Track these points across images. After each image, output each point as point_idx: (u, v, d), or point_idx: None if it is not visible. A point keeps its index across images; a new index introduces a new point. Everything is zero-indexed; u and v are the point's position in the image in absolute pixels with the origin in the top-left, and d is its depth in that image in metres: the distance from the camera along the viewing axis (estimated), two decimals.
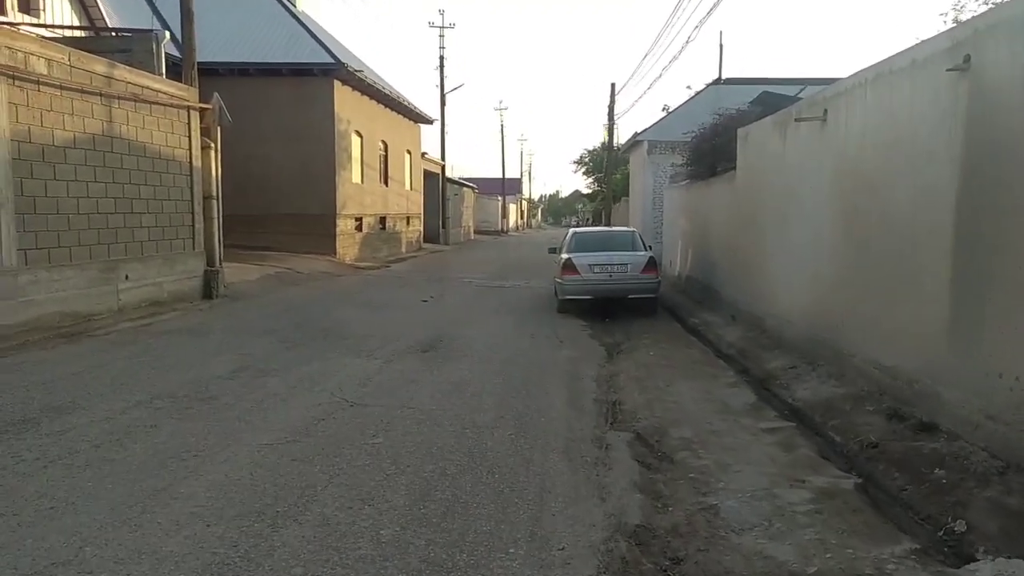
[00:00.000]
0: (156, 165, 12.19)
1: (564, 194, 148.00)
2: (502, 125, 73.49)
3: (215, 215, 13.92)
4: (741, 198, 11.53)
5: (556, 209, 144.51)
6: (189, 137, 13.05)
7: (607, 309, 13.10)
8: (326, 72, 22.71)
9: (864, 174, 6.98)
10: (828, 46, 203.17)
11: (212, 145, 13.80)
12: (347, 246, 24.49)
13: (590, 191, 59.58)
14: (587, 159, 56.76)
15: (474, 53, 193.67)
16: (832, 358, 7.59)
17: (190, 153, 13.07)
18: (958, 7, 16.60)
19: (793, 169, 8.98)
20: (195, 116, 13.27)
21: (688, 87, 48.79)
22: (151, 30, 13.43)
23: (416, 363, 8.74)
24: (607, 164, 32.06)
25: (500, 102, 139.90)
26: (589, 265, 12.60)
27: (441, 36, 40.74)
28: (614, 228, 15.45)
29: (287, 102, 23.20)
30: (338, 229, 23.60)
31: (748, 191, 11.11)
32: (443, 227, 40.27)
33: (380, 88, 25.97)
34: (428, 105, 41.25)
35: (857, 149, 7.14)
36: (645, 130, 24.02)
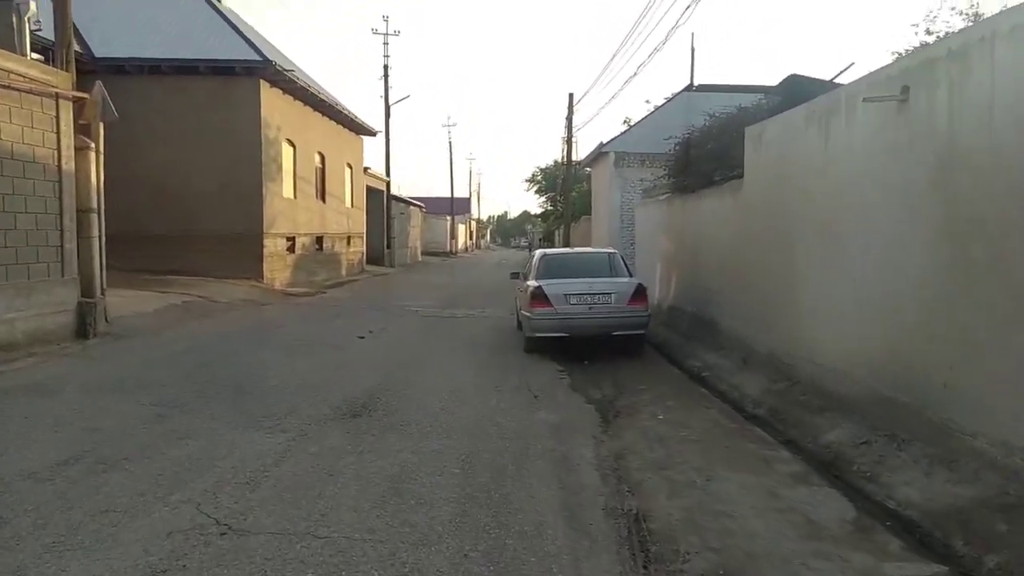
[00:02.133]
0: (5, 167, 9.39)
1: (513, 215, 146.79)
2: (450, 142, 71.71)
3: (95, 232, 11.13)
4: (752, 212, 9.33)
5: (505, 230, 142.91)
6: (57, 134, 10.28)
7: (584, 348, 10.74)
8: (250, 71, 20.01)
9: (990, 168, 4.77)
10: (804, 54, 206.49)
11: (92, 146, 11.03)
12: (277, 269, 21.67)
13: (542, 210, 57.51)
14: (540, 177, 54.78)
15: (421, 65, 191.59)
16: (927, 432, 5.34)
17: (58, 154, 10.28)
18: (930, 17, 14.98)
19: (845, 170, 6.78)
20: (66, 108, 10.51)
21: (647, 101, 47.21)
22: (12, 0, 10.64)
23: (339, 438, 6.19)
24: (565, 180, 29.94)
25: (448, 118, 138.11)
26: (564, 295, 10.22)
27: (385, 44, 38.39)
28: (590, 249, 13.12)
29: (207, 105, 20.41)
30: (266, 250, 20.79)
31: (764, 203, 8.92)
32: (388, 248, 37.59)
33: (315, 92, 23.34)
34: (372, 117, 38.73)
35: (976, 133, 4.94)
36: (611, 141, 21.93)
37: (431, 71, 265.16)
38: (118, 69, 19.81)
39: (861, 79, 6.81)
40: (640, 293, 10.33)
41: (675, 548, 4.11)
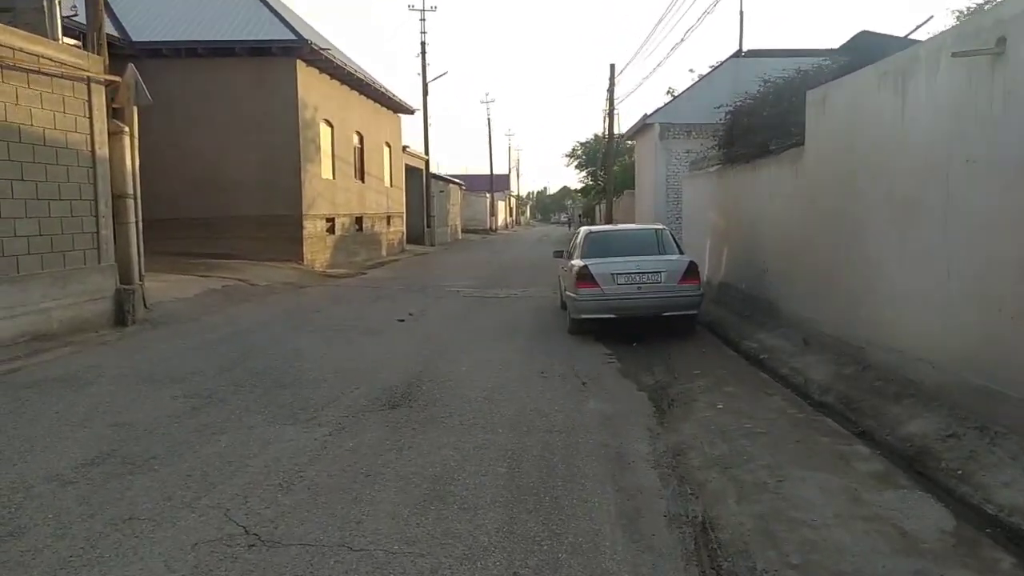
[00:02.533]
0: (38, 154, 9.20)
1: (552, 190, 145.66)
2: (488, 118, 70.84)
3: (132, 218, 10.93)
4: (815, 184, 8.68)
5: (545, 206, 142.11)
6: (90, 118, 10.06)
7: (633, 329, 10.24)
8: (287, 51, 19.71)
9: None
10: (858, 18, 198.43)
11: (125, 130, 10.81)
12: (317, 251, 21.52)
13: (583, 185, 56.66)
14: (580, 152, 53.88)
15: (458, 41, 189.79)
16: None
17: (91, 139, 10.07)
18: None
19: (927, 137, 6.13)
20: (99, 92, 10.28)
21: (691, 71, 45.77)
22: None
23: (377, 432, 5.85)
24: (606, 153, 29.16)
25: (487, 94, 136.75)
26: (611, 275, 9.72)
27: (422, 20, 37.81)
28: (637, 226, 12.55)
29: (244, 87, 20.23)
30: (305, 232, 20.62)
31: (830, 175, 8.26)
32: (428, 227, 37.34)
33: (351, 71, 23.00)
34: (409, 95, 38.34)
35: None
36: (655, 112, 21.16)
37: (469, 47, 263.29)
38: (154, 53, 19.74)
39: (946, 32, 6.13)
40: (692, 271, 9.77)
41: (750, 565, 3.64)
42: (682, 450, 5.41)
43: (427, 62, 37.57)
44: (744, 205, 11.85)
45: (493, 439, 5.68)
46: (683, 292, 9.67)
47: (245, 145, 20.28)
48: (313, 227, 21.21)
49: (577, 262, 10.25)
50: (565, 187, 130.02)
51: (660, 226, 11.33)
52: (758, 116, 11.11)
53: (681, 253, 10.49)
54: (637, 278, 9.67)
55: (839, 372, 7.31)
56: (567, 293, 10.39)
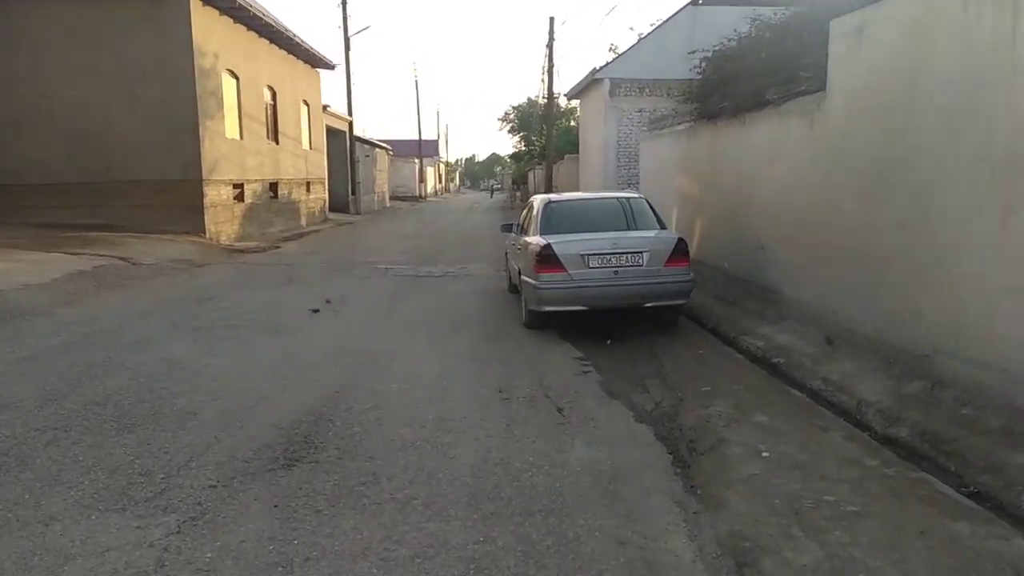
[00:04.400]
0: None
1: (481, 158, 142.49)
2: (416, 81, 67.69)
3: None
4: (843, 137, 6.79)
5: (474, 172, 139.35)
6: None
7: (604, 321, 8.27)
8: None
9: None
10: None
11: None
12: (222, 221, 18.76)
13: (516, 150, 54.36)
14: (513, 116, 51.46)
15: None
16: None
17: None
18: None
19: None
20: None
21: (631, 28, 43.51)
22: None
23: (260, 523, 3.70)
24: (546, 114, 27.01)
25: (414, 58, 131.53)
26: (581, 255, 7.66)
27: None
28: (607, 194, 10.43)
29: (128, 29, 17.15)
30: (207, 199, 17.83)
31: (869, 123, 6.37)
32: (353, 194, 34.53)
33: (258, 13, 20.04)
34: (331, 52, 35.13)
35: None
36: (604, 66, 19.07)
37: (395, 5, 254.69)
38: None
39: None
40: (681, 250, 7.81)
41: None
42: (745, 553, 3.42)
43: (348, 13, 34.41)
44: (728, 168, 9.94)
45: (443, 535, 3.58)
46: (671, 277, 7.70)
47: (132, 98, 17.27)
48: (217, 194, 18.41)
49: (535, 239, 8.14)
50: (494, 154, 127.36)
51: (634, 193, 9.30)
52: (750, 60, 9.16)
53: (663, 227, 8.51)
54: (613, 260, 7.65)
55: (899, 390, 5.49)
56: (523, 279, 8.29)
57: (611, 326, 8.32)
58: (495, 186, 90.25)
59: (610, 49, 21.71)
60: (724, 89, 9.98)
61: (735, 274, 9.72)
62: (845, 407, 5.54)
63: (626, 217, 8.47)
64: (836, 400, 5.71)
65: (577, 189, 22.59)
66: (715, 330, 8.34)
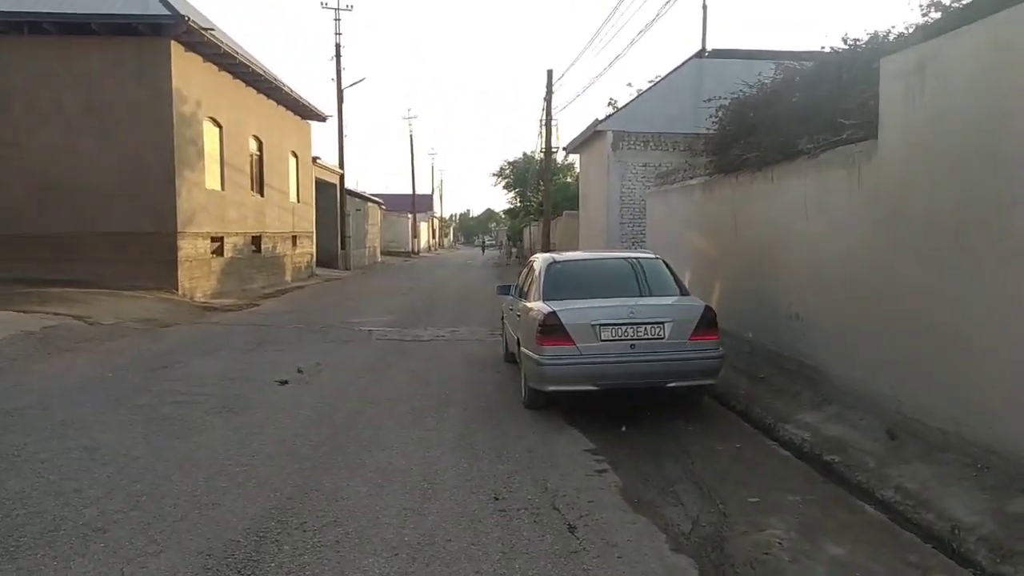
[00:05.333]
0: None
1: (476, 213, 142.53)
2: (411, 134, 67.17)
3: None
4: (906, 192, 5.74)
5: (468, 228, 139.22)
6: None
7: (613, 400, 7.10)
8: (157, 29, 15.89)
9: None
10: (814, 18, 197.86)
11: None
12: (198, 277, 17.60)
13: (511, 206, 53.71)
14: (508, 171, 50.93)
15: (378, 48, 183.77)
16: None
17: None
18: None
19: None
20: None
21: (629, 84, 43.05)
22: None
23: None
24: (544, 168, 26.19)
25: (409, 110, 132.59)
26: (591, 326, 6.51)
27: (337, 20, 34.19)
28: (617, 253, 9.30)
29: (104, 74, 16.33)
30: (181, 253, 16.71)
31: (935, 179, 5.32)
32: (343, 248, 33.54)
33: (246, 61, 19.28)
34: (324, 104, 34.58)
35: None
36: (608, 118, 18.28)
37: (389, 55, 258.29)
38: None
39: None
40: (709, 320, 6.67)
41: None
42: None
43: (343, 66, 33.99)
44: (751, 226, 8.90)
45: None
46: (697, 352, 6.55)
47: (105, 146, 16.31)
48: (192, 248, 17.30)
49: (538, 306, 7.00)
50: (489, 209, 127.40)
51: (649, 253, 8.17)
52: (778, 107, 8.20)
53: (684, 292, 7.38)
54: (630, 331, 6.50)
55: (1002, 508, 4.33)
56: (524, 351, 7.11)
57: (624, 407, 7.13)
58: (488, 242, 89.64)
59: (609, 103, 21.01)
60: (746, 139, 9.01)
61: (761, 345, 8.58)
62: (935, 531, 4.33)
63: (641, 281, 7.35)
64: (921, 520, 4.49)
65: (576, 246, 21.60)
66: (746, 414, 7.15)
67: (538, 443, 6.15)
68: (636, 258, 7.89)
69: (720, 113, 9.91)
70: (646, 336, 6.51)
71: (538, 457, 5.77)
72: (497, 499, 4.82)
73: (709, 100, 10.05)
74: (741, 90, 9.47)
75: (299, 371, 9.11)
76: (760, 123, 8.66)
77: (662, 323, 6.54)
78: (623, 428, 6.59)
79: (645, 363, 6.49)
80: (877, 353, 6.12)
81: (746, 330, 9.02)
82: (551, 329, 6.54)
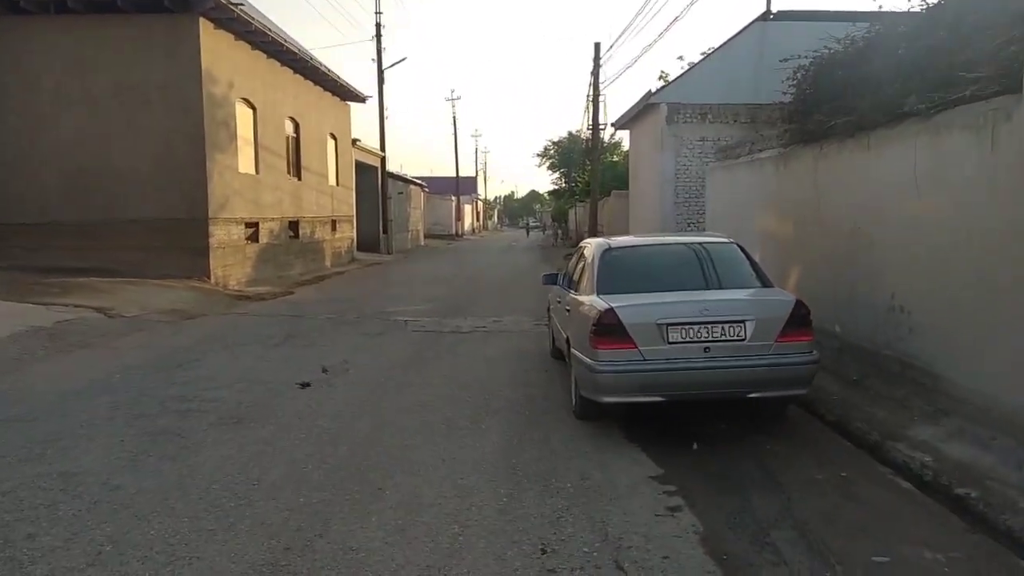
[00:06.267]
0: None
1: (520, 195, 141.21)
2: (454, 116, 66.55)
3: None
4: None
5: (513, 210, 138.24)
6: None
7: (677, 411, 6.02)
8: (184, 4, 15.11)
9: None
10: None
11: None
12: (232, 264, 16.94)
13: (555, 187, 52.51)
14: (552, 152, 49.73)
15: (420, 28, 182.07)
16: None
17: None
18: None
19: None
20: None
21: (680, 58, 40.95)
22: None
23: None
24: (592, 146, 24.96)
25: (452, 91, 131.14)
26: (657, 325, 5.41)
27: None
28: (682, 237, 8.04)
29: (132, 54, 15.67)
30: (214, 240, 16.03)
31: None
32: (384, 232, 32.80)
33: (280, 40, 18.46)
34: (363, 85, 33.77)
35: None
36: (660, 90, 16.97)
37: (431, 35, 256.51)
38: (11, 6, 15.08)
39: None
40: (801, 318, 5.51)
41: None
42: None
43: (383, 46, 33.11)
44: (839, 203, 7.65)
45: None
46: (787, 356, 5.40)
47: (134, 129, 15.67)
48: (225, 234, 16.62)
49: (591, 301, 5.93)
50: (533, 191, 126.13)
51: (722, 237, 6.98)
52: (877, 63, 6.93)
53: (765, 283, 6.21)
54: (703, 331, 5.38)
55: None
56: (575, 352, 6.05)
57: (693, 417, 6.05)
58: (533, 224, 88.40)
59: (660, 77, 19.62)
60: (832, 103, 7.74)
61: (852, 341, 7.36)
62: None
63: (713, 270, 6.21)
64: None
65: (626, 229, 20.38)
66: (843, 427, 5.97)
67: (593, 467, 5.10)
68: (706, 243, 6.73)
69: (799, 75, 8.64)
70: (723, 337, 5.39)
71: (594, 487, 4.72)
72: (545, 552, 3.81)
73: (786, 60, 8.77)
74: (825, 46, 8.19)
75: (324, 371, 8.22)
76: (851, 83, 7.40)
77: (743, 321, 5.40)
78: (694, 446, 5.51)
79: (722, 370, 5.37)
80: (1014, 357, 4.91)
81: (831, 323, 7.79)
82: (608, 329, 5.46)
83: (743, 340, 5.40)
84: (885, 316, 6.67)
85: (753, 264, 6.33)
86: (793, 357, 5.42)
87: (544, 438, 5.75)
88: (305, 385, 7.52)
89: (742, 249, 6.51)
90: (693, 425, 5.97)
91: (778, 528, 4.09)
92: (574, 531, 4.05)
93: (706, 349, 5.40)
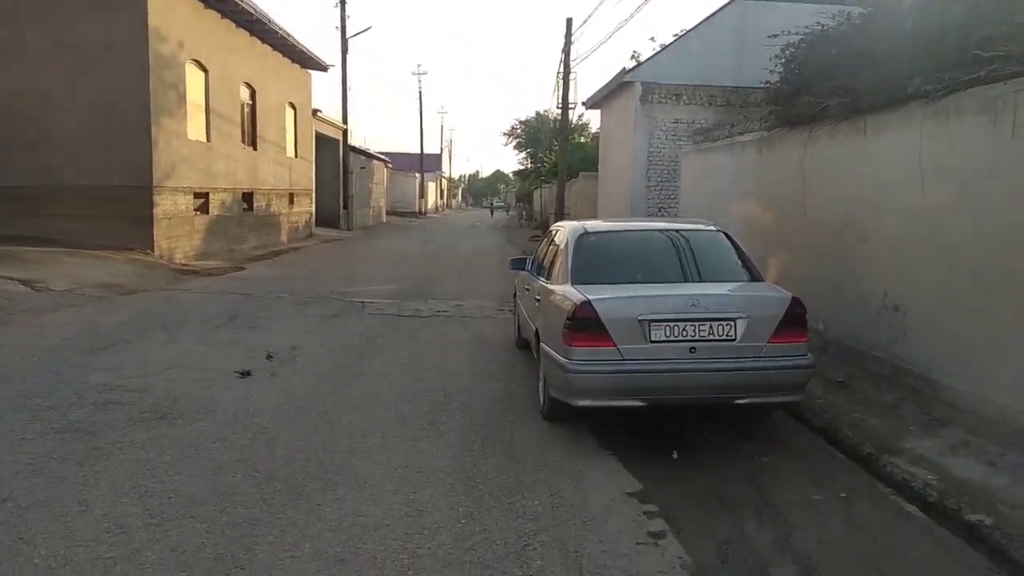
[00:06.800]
0: None
1: (485, 174, 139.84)
2: (420, 91, 64.58)
3: None
4: None
5: (477, 189, 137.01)
6: None
7: (659, 414, 5.49)
8: None
9: None
10: None
11: None
12: (178, 236, 15.97)
13: (522, 167, 51.81)
14: (520, 131, 48.95)
15: (385, 2, 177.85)
16: None
17: None
18: None
19: None
20: None
21: (652, 39, 40.24)
22: None
23: None
24: (562, 126, 24.27)
25: (419, 65, 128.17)
26: (639, 321, 4.83)
27: None
28: (666, 223, 7.42)
29: (73, 9, 14.53)
30: (158, 210, 15.05)
31: None
32: (345, 207, 31.80)
33: (237, 1, 17.37)
34: (326, 54, 32.47)
35: None
36: (635, 68, 16.35)
37: (398, 5, 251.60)
38: None
39: None
40: (797, 317, 4.98)
41: None
42: None
43: (347, 14, 31.87)
44: (829, 191, 7.16)
45: None
46: (780, 359, 4.88)
47: (72, 88, 14.58)
48: (172, 204, 15.63)
49: (565, 291, 5.33)
50: (498, 171, 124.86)
51: (708, 224, 6.41)
52: (877, 40, 6.42)
53: (755, 276, 5.67)
54: (689, 329, 4.83)
55: None
56: (545, 348, 5.46)
57: (670, 420, 5.53)
58: (497, 204, 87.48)
59: (632, 57, 19.01)
60: (824, 84, 7.23)
61: (838, 340, 6.91)
62: None
63: (698, 260, 5.64)
64: None
65: (594, 212, 19.84)
66: (832, 435, 5.49)
67: (563, 480, 4.53)
68: (690, 230, 6.16)
69: (788, 52, 8.11)
70: (712, 336, 4.84)
71: (565, 505, 4.16)
72: None
73: (775, 36, 8.23)
74: (818, 22, 7.66)
75: (268, 357, 7.51)
76: (846, 62, 6.90)
77: (733, 319, 4.86)
78: (674, 454, 4.98)
79: (710, 372, 4.82)
80: None
81: (815, 320, 7.33)
82: (584, 324, 4.87)
83: (733, 340, 4.86)
84: (876, 315, 6.21)
85: (741, 255, 5.79)
86: (787, 360, 4.90)
87: (509, 443, 5.16)
88: (245, 374, 6.81)
89: (729, 238, 5.95)
90: (671, 429, 5.45)
91: (778, 563, 3.56)
92: (543, 564, 3.48)
93: (692, 349, 4.85)
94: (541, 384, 5.74)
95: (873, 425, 5.47)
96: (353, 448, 4.98)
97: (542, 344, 5.61)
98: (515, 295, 8.42)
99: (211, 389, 6.28)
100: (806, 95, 7.59)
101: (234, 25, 18.89)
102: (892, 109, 6.05)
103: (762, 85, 9.08)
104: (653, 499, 4.27)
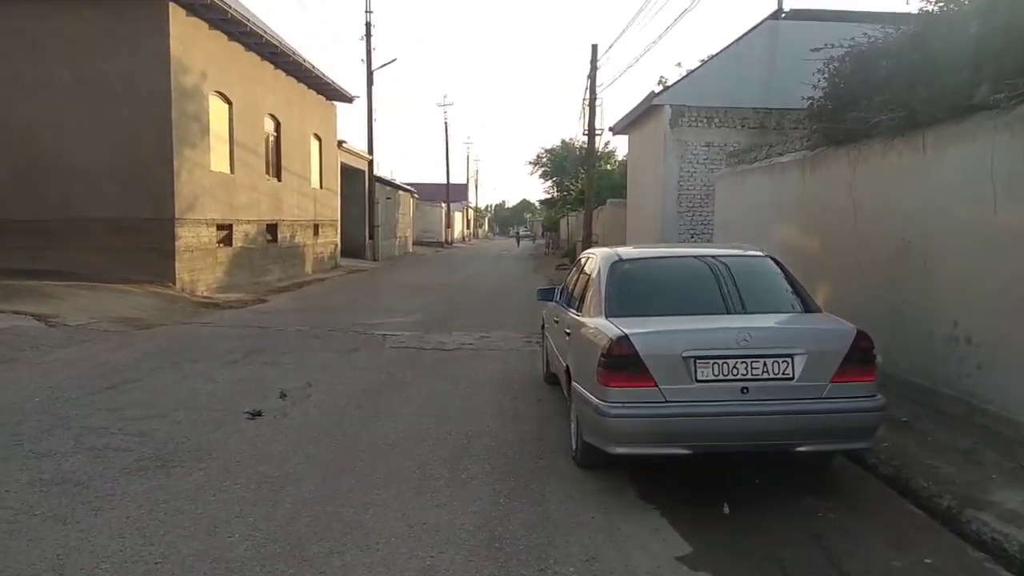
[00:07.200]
0: None
1: (511, 203, 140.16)
2: (446, 122, 65.01)
3: None
4: None
5: (503, 218, 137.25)
6: None
7: (707, 466, 4.93)
8: None
9: None
10: None
11: None
12: (201, 268, 15.74)
13: (548, 196, 51.53)
14: (545, 159, 48.75)
15: (411, 31, 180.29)
16: None
17: None
18: None
19: None
20: None
21: (679, 64, 39.99)
22: None
23: None
24: (588, 152, 23.91)
25: (444, 96, 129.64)
26: (683, 359, 4.31)
27: None
28: (704, 249, 6.93)
29: (93, 41, 14.55)
30: (180, 242, 14.84)
31: None
32: (371, 238, 31.62)
33: (260, 32, 17.34)
34: (352, 86, 32.57)
35: None
36: (663, 91, 15.94)
37: (423, 37, 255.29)
38: None
39: None
40: (863, 353, 4.42)
41: None
42: None
43: (373, 46, 32.01)
44: (885, 212, 6.60)
45: None
46: (846, 401, 4.33)
47: (95, 121, 14.52)
48: (194, 236, 15.43)
49: (598, 324, 4.83)
50: (524, 200, 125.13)
51: (754, 250, 5.87)
52: (933, 48, 5.90)
53: (810, 307, 5.11)
54: (740, 367, 4.29)
55: None
56: (576, 387, 4.95)
57: (717, 466, 4.97)
58: (523, 233, 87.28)
59: (659, 82, 18.63)
60: (873, 99, 6.71)
61: (898, 375, 6.29)
62: None
63: (745, 290, 5.10)
64: None
65: (623, 240, 19.34)
66: (902, 484, 4.87)
67: (602, 540, 3.99)
68: (735, 255, 5.65)
69: (831, 67, 7.61)
70: (766, 375, 4.30)
71: (605, 572, 3.62)
72: None
73: (817, 49, 7.73)
74: (864, 33, 7.17)
75: (282, 396, 7.08)
76: (899, 74, 6.39)
77: (790, 356, 4.31)
78: (726, 509, 4.41)
79: (765, 417, 4.27)
80: None
81: (889, 357, 6.73)
82: (621, 362, 4.35)
83: (791, 379, 4.31)
84: (944, 347, 5.62)
85: (793, 283, 5.24)
86: (853, 402, 4.33)
87: (538, 496, 4.63)
88: (255, 415, 6.37)
89: (779, 264, 5.42)
90: (719, 477, 4.89)
91: None
92: None
93: (744, 390, 4.31)
94: (573, 426, 5.22)
95: (949, 473, 4.85)
96: (366, 502, 4.49)
97: (573, 383, 5.10)
98: (543, 327, 7.93)
99: (217, 432, 5.84)
100: (853, 111, 7.07)
101: (258, 57, 18.86)
102: (955, 122, 5.51)
103: (797, 106, 8.60)
104: (707, 566, 3.72)
